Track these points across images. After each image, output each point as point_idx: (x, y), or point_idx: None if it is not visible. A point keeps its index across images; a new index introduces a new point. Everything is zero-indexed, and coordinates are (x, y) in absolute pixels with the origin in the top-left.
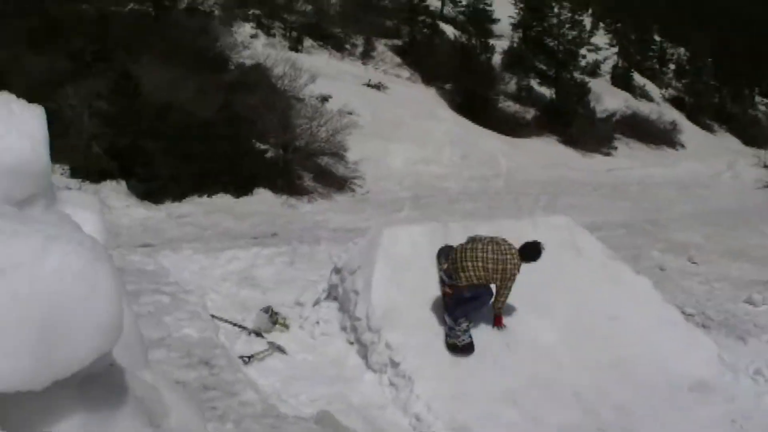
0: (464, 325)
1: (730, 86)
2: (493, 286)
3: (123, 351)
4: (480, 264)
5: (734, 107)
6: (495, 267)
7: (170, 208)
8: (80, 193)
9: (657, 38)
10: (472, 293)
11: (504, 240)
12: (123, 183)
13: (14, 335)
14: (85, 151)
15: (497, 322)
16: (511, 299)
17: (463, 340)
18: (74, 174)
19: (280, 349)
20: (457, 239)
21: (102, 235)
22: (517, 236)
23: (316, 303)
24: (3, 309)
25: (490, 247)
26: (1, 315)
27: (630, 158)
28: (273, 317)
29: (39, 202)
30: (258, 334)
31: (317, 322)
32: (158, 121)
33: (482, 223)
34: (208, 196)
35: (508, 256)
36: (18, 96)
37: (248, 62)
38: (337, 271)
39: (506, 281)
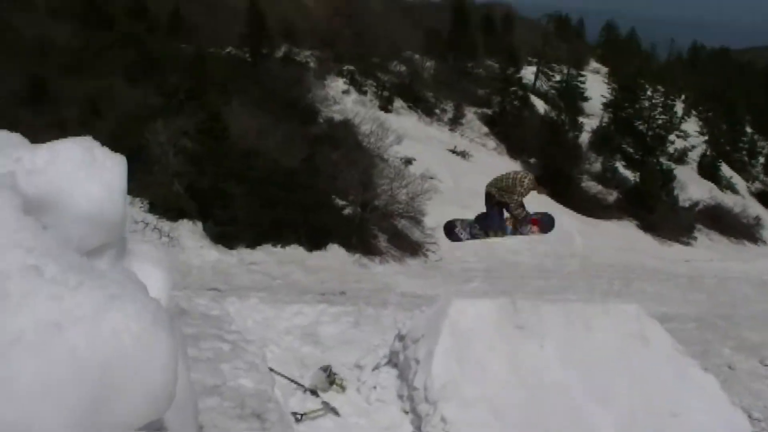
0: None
1: None
2: None
3: (174, 413)
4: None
5: None
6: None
7: (243, 253)
8: (151, 248)
9: (748, 130)
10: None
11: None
12: (199, 224)
13: (67, 391)
14: (166, 188)
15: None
16: (573, 382)
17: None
18: (152, 209)
19: (334, 411)
20: (525, 318)
21: (167, 296)
22: (585, 321)
23: (376, 368)
24: (58, 363)
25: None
26: (55, 369)
27: (709, 250)
28: (331, 377)
29: (109, 252)
30: (314, 392)
31: (374, 387)
32: (242, 166)
33: (552, 304)
34: (282, 246)
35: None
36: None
37: (337, 117)
38: (400, 337)
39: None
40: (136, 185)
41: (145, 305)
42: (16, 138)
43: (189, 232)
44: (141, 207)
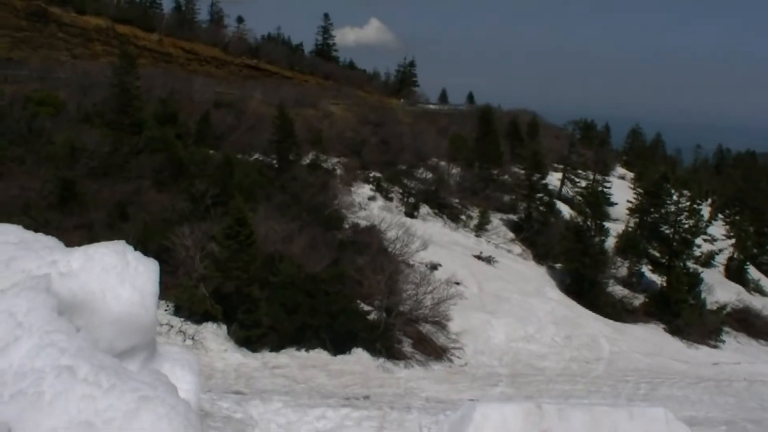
0: None
1: None
2: None
3: None
4: None
5: None
6: None
7: (266, 357)
8: (179, 350)
9: None
10: None
11: None
12: (224, 327)
13: None
14: (191, 292)
15: None
16: None
17: None
18: (177, 312)
19: None
20: (551, 422)
21: (196, 398)
22: (611, 425)
23: None
24: None
25: None
26: None
27: (738, 352)
28: None
29: (140, 354)
30: None
31: None
32: (266, 270)
33: (578, 408)
34: (306, 350)
35: None
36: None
37: (363, 223)
38: None
39: None
40: (161, 288)
41: (176, 408)
42: (51, 241)
43: (213, 335)
44: (166, 309)
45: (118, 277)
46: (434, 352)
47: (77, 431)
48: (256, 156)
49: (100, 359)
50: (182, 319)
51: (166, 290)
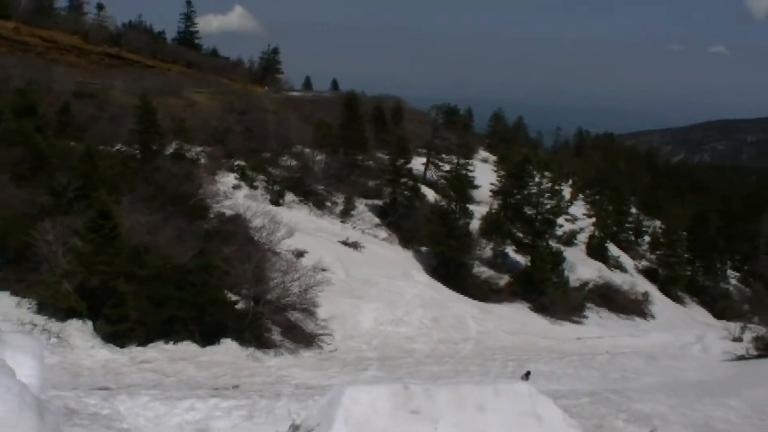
0: None
1: (703, 259)
2: None
3: None
4: None
5: (706, 280)
6: None
7: (134, 352)
8: (23, 337)
9: (634, 211)
10: None
11: None
12: (90, 323)
13: None
14: (55, 288)
15: None
16: None
17: None
18: (41, 310)
19: None
20: (418, 402)
21: (38, 381)
22: (477, 403)
23: None
24: None
25: None
26: None
27: (600, 327)
28: None
29: None
30: None
31: None
32: (133, 263)
33: (444, 387)
34: (174, 343)
35: None
36: None
37: (228, 212)
38: (294, 428)
39: None
40: (23, 286)
41: (11, 388)
42: None
43: (79, 332)
44: (29, 308)
45: None
46: (304, 339)
47: None
48: (119, 147)
49: None
50: (46, 317)
51: (28, 288)
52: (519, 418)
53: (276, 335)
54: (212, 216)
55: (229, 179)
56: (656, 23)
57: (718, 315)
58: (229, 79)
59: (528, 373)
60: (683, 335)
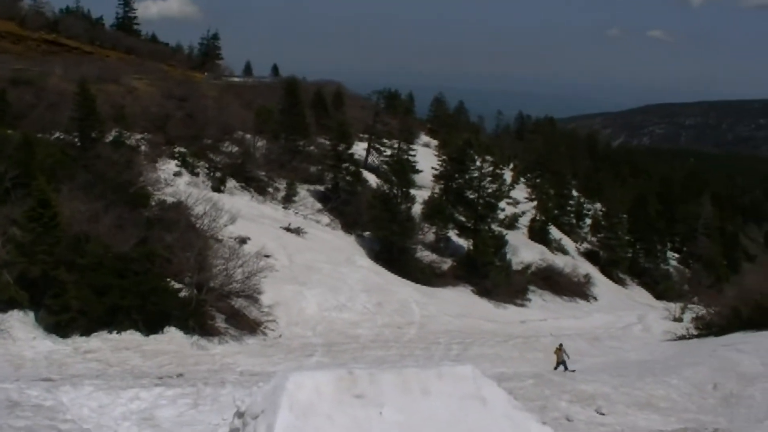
0: None
1: (644, 241)
2: None
3: None
4: None
5: (647, 262)
6: None
7: (77, 342)
8: None
9: (575, 194)
10: None
11: None
12: (31, 314)
13: None
14: None
15: None
16: None
17: None
18: None
19: None
20: (363, 387)
21: None
22: (421, 386)
23: None
24: None
25: None
26: None
27: (543, 310)
28: None
29: None
30: None
31: None
32: (74, 252)
33: (388, 371)
34: (118, 333)
35: None
36: None
37: (170, 199)
38: (239, 415)
39: None
40: None
41: None
42: None
43: (20, 323)
44: None
45: None
46: (248, 326)
47: None
48: (58, 135)
49: None
50: None
51: None
52: (463, 401)
53: (220, 323)
54: (153, 204)
55: (170, 166)
56: (595, 8)
57: (659, 296)
58: (169, 65)
59: (561, 346)
60: (625, 316)
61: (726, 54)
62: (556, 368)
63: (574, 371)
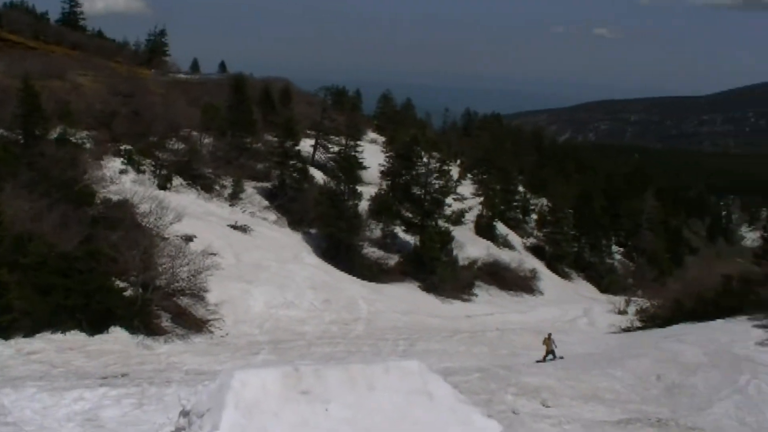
0: None
1: (589, 236)
2: None
3: None
4: None
5: (592, 256)
6: None
7: (20, 343)
8: None
9: (521, 189)
10: None
11: None
12: None
13: None
14: None
15: None
16: None
17: None
18: None
19: None
20: (309, 383)
21: None
22: (367, 381)
23: None
24: None
25: None
26: None
27: (489, 304)
28: None
29: None
30: None
31: None
32: (16, 252)
33: (334, 367)
34: (62, 333)
35: None
36: None
37: (115, 197)
38: (185, 414)
39: None
40: None
41: None
42: None
43: None
44: None
45: None
46: (194, 324)
47: None
48: (1, 132)
49: None
50: None
51: None
52: (409, 396)
53: (166, 322)
54: (98, 202)
55: (115, 164)
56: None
57: (604, 289)
58: (115, 61)
59: (549, 335)
60: (570, 310)
61: (672, 52)
62: (545, 358)
63: (562, 358)
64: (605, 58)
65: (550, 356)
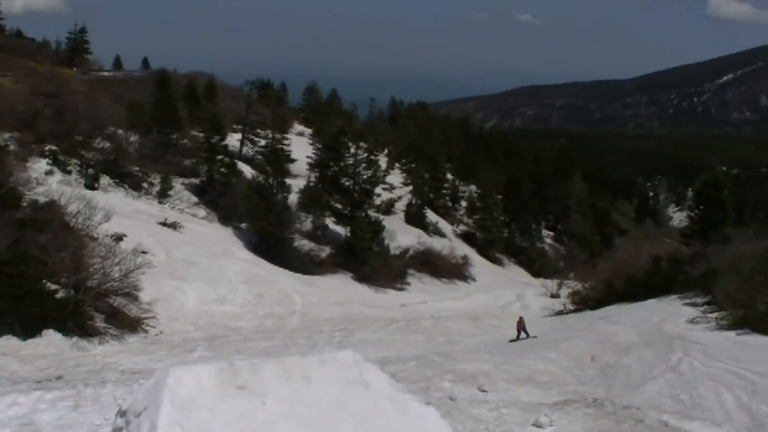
0: None
1: (519, 221)
2: None
3: None
4: None
5: (523, 241)
6: None
7: None
8: None
9: (449, 177)
10: None
11: None
12: None
13: None
14: None
15: None
16: None
17: None
18: None
19: None
20: (245, 378)
21: None
22: (303, 373)
23: None
24: None
25: None
26: None
27: (423, 292)
28: None
29: None
30: None
31: None
32: None
33: (269, 361)
34: None
35: None
36: None
37: (42, 199)
38: (121, 413)
39: None
40: None
41: None
42: None
43: None
44: None
45: None
46: (128, 324)
47: None
48: None
49: None
50: None
51: None
52: (346, 386)
53: (100, 322)
54: (25, 204)
55: (40, 165)
56: None
57: (536, 273)
58: (36, 61)
59: (521, 318)
60: (504, 295)
61: (595, 37)
62: (517, 338)
63: (536, 337)
64: (530, 46)
65: (524, 335)
